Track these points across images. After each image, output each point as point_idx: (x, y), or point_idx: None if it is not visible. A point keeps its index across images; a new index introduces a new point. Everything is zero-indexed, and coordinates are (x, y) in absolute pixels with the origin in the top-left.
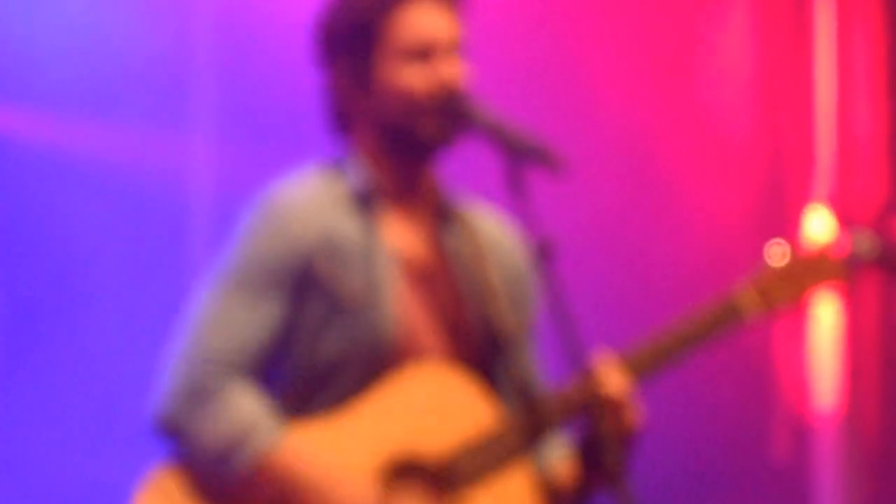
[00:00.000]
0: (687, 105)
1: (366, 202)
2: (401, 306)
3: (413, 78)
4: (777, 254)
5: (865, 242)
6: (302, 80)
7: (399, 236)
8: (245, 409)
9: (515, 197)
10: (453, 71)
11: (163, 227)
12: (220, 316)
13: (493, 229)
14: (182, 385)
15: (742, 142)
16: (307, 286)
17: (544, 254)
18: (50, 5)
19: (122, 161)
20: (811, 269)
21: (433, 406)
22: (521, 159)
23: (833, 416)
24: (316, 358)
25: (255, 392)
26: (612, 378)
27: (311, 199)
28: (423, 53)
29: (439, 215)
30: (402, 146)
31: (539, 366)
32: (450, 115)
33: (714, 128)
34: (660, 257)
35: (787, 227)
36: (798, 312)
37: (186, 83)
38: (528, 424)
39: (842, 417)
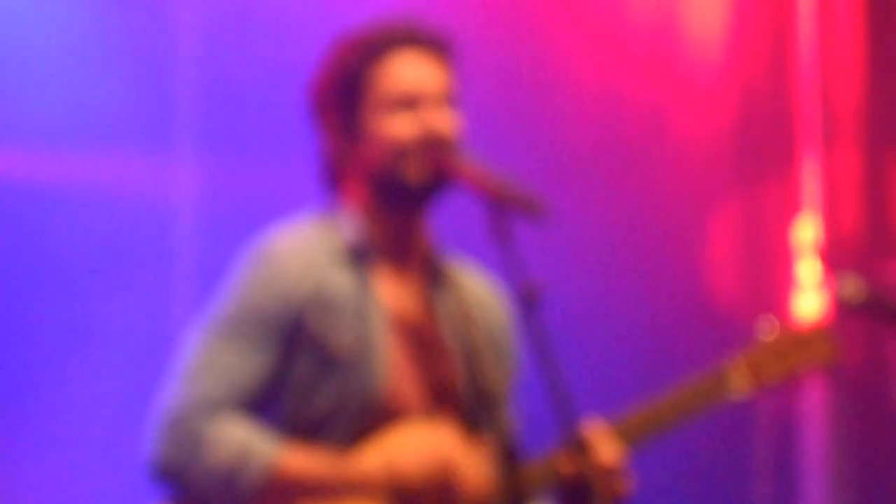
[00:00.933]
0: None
1: (359, 257)
2: (390, 363)
3: (399, 126)
4: (768, 329)
5: (851, 287)
6: (286, 103)
7: (390, 292)
8: (237, 435)
9: (500, 245)
10: (439, 119)
11: (147, 253)
12: (210, 364)
13: (479, 287)
14: (174, 432)
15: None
16: (298, 339)
17: (530, 302)
18: (27, 35)
19: (106, 191)
20: (803, 346)
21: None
22: (505, 208)
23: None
24: (305, 411)
25: (244, 420)
26: (605, 446)
27: (304, 251)
28: (409, 103)
29: (428, 272)
30: (391, 194)
31: (520, 425)
32: (434, 159)
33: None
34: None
35: (775, 275)
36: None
37: (169, 110)
38: (512, 487)
39: (828, 464)
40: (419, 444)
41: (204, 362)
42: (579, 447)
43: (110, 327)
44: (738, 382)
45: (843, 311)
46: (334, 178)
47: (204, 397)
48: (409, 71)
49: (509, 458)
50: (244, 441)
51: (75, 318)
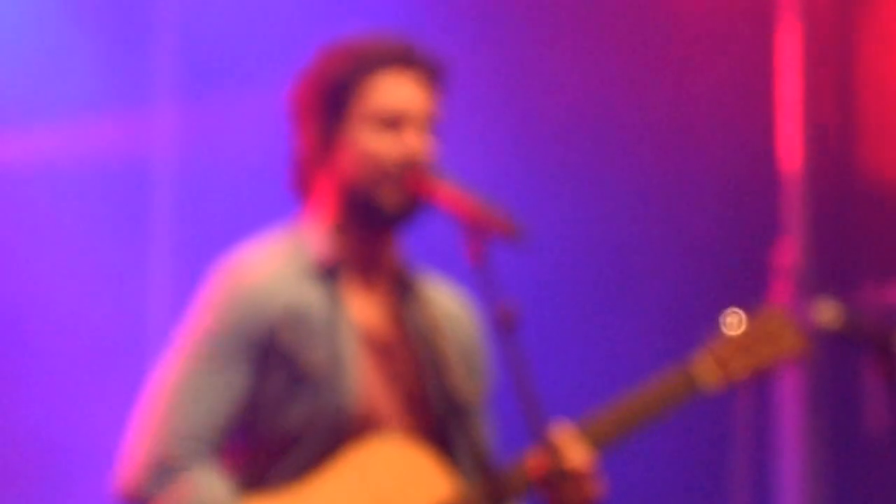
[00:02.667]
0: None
1: (328, 273)
2: (362, 379)
3: (380, 144)
4: (733, 322)
5: (829, 312)
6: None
7: (360, 309)
8: (207, 490)
9: (477, 268)
10: (419, 142)
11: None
12: (184, 389)
13: (447, 300)
14: (148, 460)
15: (708, 225)
16: (270, 357)
17: (506, 324)
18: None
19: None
20: (770, 338)
21: (391, 480)
22: (483, 232)
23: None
24: (278, 428)
25: (218, 473)
26: (574, 450)
27: (273, 268)
28: (393, 122)
29: (398, 287)
30: (363, 213)
31: (494, 435)
32: (412, 184)
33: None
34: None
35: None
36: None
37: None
38: (485, 496)
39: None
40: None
41: (179, 389)
42: (548, 451)
43: (86, 306)
44: (706, 378)
45: (821, 335)
46: (303, 183)
47: (182, 426)
48: (399, 91)
49: (482, 467)
50: (209, 498)
51: (54, 299)
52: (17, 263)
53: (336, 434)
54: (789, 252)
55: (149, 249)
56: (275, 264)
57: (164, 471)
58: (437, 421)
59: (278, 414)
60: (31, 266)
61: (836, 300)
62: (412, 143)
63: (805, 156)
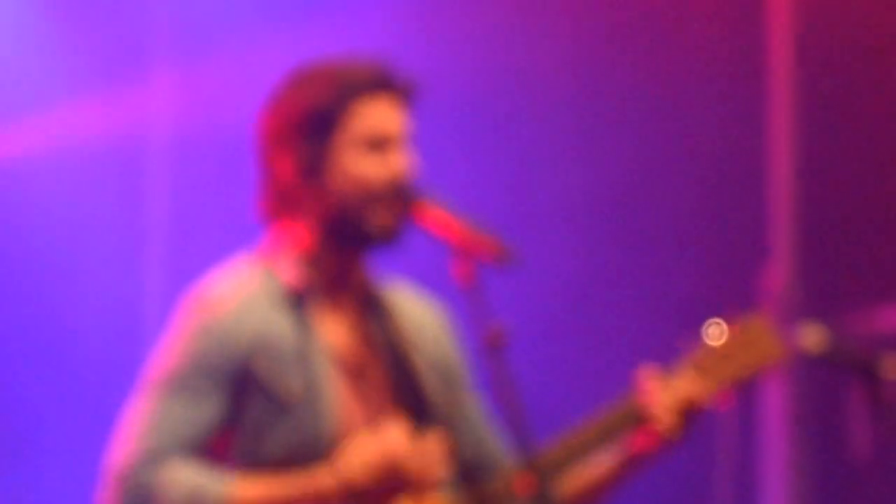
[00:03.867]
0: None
1: (299, 299)
2: (338, 402)
3: (368, 167)
4: (715, 333)
5: (815, 337)
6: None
7: (331, 331)
8: (188, 477)
9: (466, 290)
10: (405, 163)
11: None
12: (157, 418)
13: (416, 309)
14: (124, 488)
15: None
16: (246, 385)
17: (496, 346)
18: None
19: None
20: (750, 347)
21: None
22: (471, 254)
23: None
24: (259, 456)
25: (192, 463)
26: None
27: (243, 298)
28: (379, 144)
29: (364, 302)
30: (347, 235)
31: (491, 422)
32: (400, 206)
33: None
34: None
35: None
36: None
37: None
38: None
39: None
40: (362, 446)
41: (151, 417)
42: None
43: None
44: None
45: (806, 360)
46: (280, 208)
47: (152, 451)
48: (381, 114)
49: (464, 474)
50: (195, 481)
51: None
52: (15, 255)
53: (315, 457)
54: (776, 276)
55: (145, 236)
56: (244, 292)
57: (143, 494)
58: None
59: (258, 441)
60: (30, 258)
61: (821, 325)
62: (398, 165)
63: (793, 180)
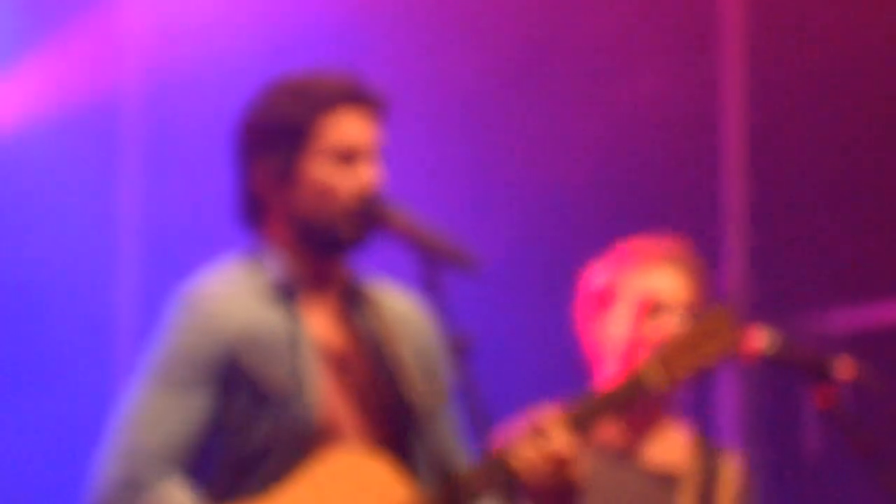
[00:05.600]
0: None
1: (285, 293)
2: (322, 393)
3: (336, 178)
4: (679, 323)
5: (767, 339)
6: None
7: (316, 324)
8: (177, 500)
9: (430, 295)
10: (373, 175)
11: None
12: (149, 411)
13: (399, 304)
14: (116, 479)
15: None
16: (232, 378)
17: (460, 351)
18: None
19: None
20: (711, 336)
21: (348, 490)
22: (435, 260)
23: None
24: (244, 446)
25: (185, 486)
26: (558, 433)
27: (231, 292)
28: (348, 156)
29: (349, 299)
30: (317, 241)
31: (460, 433)
32: (367, 218)
33: None
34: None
35: None
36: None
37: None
38: (445, 498)
39: None
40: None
41: (142, 412)
42: (532, 435)
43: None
44: (653, 379)
45: (759, 362)
46: (255, 215)
47: (147, 446)
48: (351, 127)
49: (441, 473)
50: None
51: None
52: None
53: (300, 448)
54: (728, 279)
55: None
56: (231, 289)
57: (132, 489)
58: (396, 429)
59: (244, 431)
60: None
61: (773, 327)
62: (367, 176)
63: (745, 181)
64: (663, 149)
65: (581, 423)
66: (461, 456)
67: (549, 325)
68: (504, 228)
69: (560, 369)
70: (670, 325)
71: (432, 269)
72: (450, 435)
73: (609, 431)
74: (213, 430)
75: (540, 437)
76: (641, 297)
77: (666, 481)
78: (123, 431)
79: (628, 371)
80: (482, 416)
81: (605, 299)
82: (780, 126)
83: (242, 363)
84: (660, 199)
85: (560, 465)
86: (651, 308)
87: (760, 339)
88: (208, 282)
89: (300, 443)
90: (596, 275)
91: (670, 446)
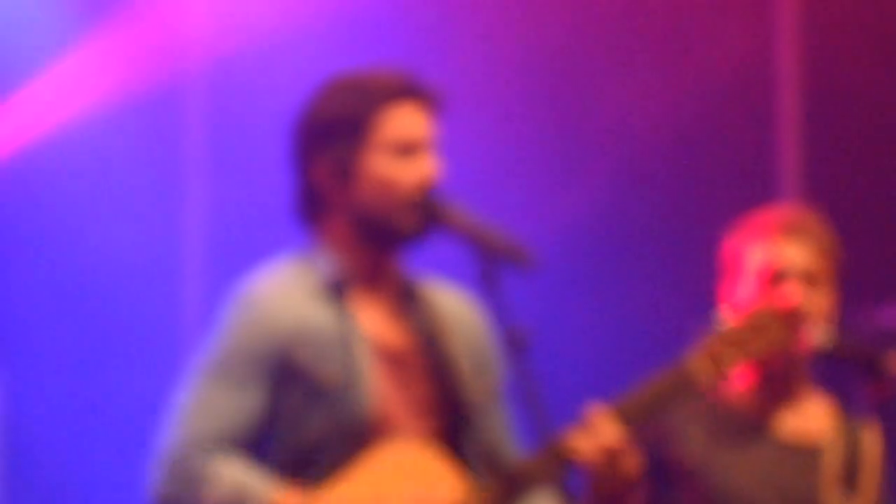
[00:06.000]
0: None
1: (337, 291)
2: (376, 388)
3: (397, 172)
4: (724, 319)
5: (822, 333)
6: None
7: (369, 320)
8: (233, 474)
9: (488, 292)
10: (432, 168)
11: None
12: (204, 405)
13: (453, 303)
14: (173, 470)
15: None
16: (286, 374)
17: (517, 347)
18: None
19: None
20: (759, 332)
21: (404, 482)
22: (493, 257)
23: None
24: (298, 441)
25: (239, 460)
26: (610, 427)
27: (284, 291)
28: (407, 150)
29: (403, 295)
30: (377, 235)
31: (512, 429)
32: (427, 211)
33: None
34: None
35: None
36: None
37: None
38: (497, 495)
39: None
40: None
41: (198, 404)
42: (586, 429)
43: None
44: (702, 374)
45: (817, 356)
46: (314, 212)
47: (199, 436)
48: (409, 120)
49: (494, 467)
50: (240, 481)
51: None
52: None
53: (354, 442)
54: None
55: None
56: (285, 287)
57: (188, 477)
58: (449, 424)
59: (298, 427)
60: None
61: (830, 324)
62: (427, 168)
63: (800, 178)
64: (721, 153)
65: (629, 417)
66: (512, 451)
67: (608, 320)
68: (560, 226)
69: (618, 364)
70: (793, 293)
71: (489, 266)
72: (501, 431)
73: (743, 402)
74: (267, 425)
75: (590, 430)
76: (763, 265)
77: (803, 452)
78: (179, 424)
79: (675, 366)
80: (540, 412)
81: (733, 269)
82: (833, 126)
83: (296, 360)
84: (718, 190)
85: (611, 457)
86: (772, 276)
87: (816, 333)
88: (262, 281)
89: (354, 437)
90: (725, 246)
91: (808, 417)
